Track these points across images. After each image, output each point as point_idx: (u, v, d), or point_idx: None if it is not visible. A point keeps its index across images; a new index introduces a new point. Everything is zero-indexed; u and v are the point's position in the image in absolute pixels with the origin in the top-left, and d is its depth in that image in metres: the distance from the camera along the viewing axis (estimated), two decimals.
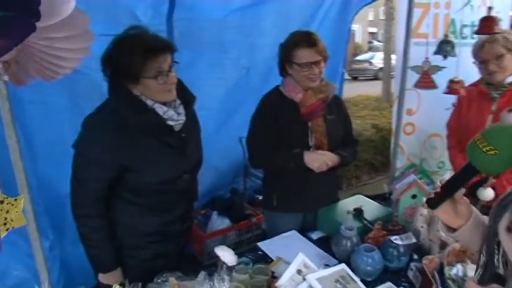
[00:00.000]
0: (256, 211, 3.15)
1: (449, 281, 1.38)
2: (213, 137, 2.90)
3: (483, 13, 2.06)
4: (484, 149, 0.83)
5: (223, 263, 1.38)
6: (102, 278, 1.48)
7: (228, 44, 2.56)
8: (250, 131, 1.92)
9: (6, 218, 0.94)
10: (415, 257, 1.56)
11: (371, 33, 29.02)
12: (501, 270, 0.77)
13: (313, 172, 1.75)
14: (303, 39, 1.73)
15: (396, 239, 1.55)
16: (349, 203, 1.95)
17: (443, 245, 1.56)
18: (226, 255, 1.39)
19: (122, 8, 1.90)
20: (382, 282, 1.46)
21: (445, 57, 2.07)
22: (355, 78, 15.57)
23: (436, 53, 2.09)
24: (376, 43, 23.72)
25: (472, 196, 1.87)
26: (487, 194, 1.63)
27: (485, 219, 0.96)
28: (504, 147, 0.82)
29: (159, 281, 1.37)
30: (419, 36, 2.59)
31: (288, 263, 1.47)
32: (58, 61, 1.17)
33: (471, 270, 1.38)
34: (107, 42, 1.34)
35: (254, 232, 3.09)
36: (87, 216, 1.39)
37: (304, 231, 1.87)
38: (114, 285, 1.21)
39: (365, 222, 1.77)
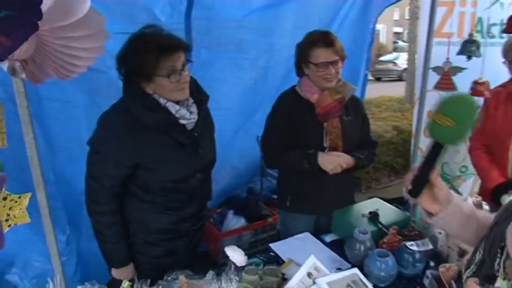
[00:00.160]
0: (272, 211, 3.14)
1: None
2: (230, 137, 2.92)
3: None
4: (442, 122, 0.87)
5: (233, 263, 1.37)
6: (115, 273, 1.51)
7: (247, 44, 2.55)
8: (265, 130, 1.91)
9: (8, 215, 0.96)
10: (432, 264, 1.51)
11: (396, 33, 28.37)
12: (501, 274, 0.74)
13: (328, 174, 1.72)
14: (320, 38, 1.70)
15: (412, 245, 1.50)
16: (365, 206, 1.91)
17: (462, 253, 1.50)
18: (236, 255, 1.38)
19: (139, 6, 1.93)
20: None
21: (469, 57, 1.99)
22: (378, 79, 15.28)
23: (460, 53, 2.01)
24: (401, 43, 23.15)
25: (496, 203, 1.80)
26: None
27: (466, 206, 0.99)
28: (459, 116, 0.87)
29: (169, 278, 1.38)
30: (443, 35, 2.50)
31: (300, 265, 1.45)
32: (74, 60, 1.20)
33: None
34: (124, 40, 1.37)
35: (269, 232, 3.08)
36: (101, 212, 1.42)
37: (318, 234, 1.84)
38: (124, 281, 1.23)
39: (380, 226, 1.72)
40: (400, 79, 13.60)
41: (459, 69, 1.96)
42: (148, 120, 1.35)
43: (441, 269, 1.39)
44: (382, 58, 16.32)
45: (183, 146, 1.45)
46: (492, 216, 0.96)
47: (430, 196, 0.95)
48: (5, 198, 0.97)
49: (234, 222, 3.11)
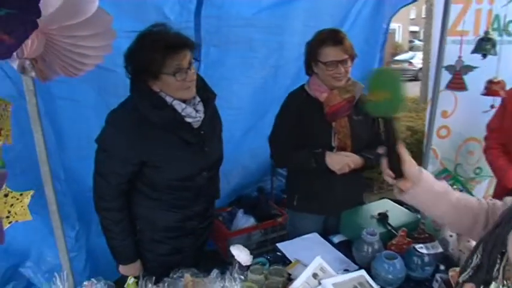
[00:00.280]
0: (282, 211, 3.12)
1: None
2: (241, 136, 2.92)
3: None
4: (377, 99, 0.94)
5: (238, 262, 1.37)
6: (122, 269, 1.53)
7: (257, 43, 2.54)
8: (274, 129, 1.90)
9: (9, 212, 0.98)
10: (442, 267, 1.48)
11: (412, 32, 27.88)
12: (499, 281, 0.71)
13: (336, 173, 1.70)
14: (329, 37, 1.68)
15: (421, 248, 1.47)
16: (374, 207, 1.88)
17: None
18: (241, 254, 1.38)
19: (149, 5, 1.95)
20: None
21: (484, 56, 1.93)
22: None
23: (474, 51, 1.95)
24: (417, 42, 22.76)
25: None
26: None
27: (438, 184, 0.99)
28: (388, 85, 0.94)
29: (174, 276, 1.39)
30: (458, 33, 2.43)
31: (306, 266, 1.44)
32: (81, 58, 1.21)
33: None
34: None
35: (279, 232, 3.06)
36: (108, 209, 1.44)
37: (326, 234, 1.82)
38: (130, 277, 1.24)
39: (389, 228, 1.69)
40: (415, 79, 13.36)
41: (470, 68, 1.91)
42: (155, 119, 1.36)
43: (451, 273, 1.36)
44: (397, 57, 16.05)
45: (189, 144, 1.45)
46: (467, 198, 0.99)
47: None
48: (6, 195, 0.99)
49: (244, 221, 3.11)
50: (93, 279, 1.20)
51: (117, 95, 1.52)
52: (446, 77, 2.22)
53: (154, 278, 1.24)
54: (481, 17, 2.55)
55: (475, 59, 2.00)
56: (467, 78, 2.06)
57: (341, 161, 1.69)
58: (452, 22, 2.40)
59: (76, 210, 2.03)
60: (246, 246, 3.05)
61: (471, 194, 1.87)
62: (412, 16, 26.76)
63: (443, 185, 1.00)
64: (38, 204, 1.36)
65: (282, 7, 2.43)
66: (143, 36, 1.34)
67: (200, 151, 1.49)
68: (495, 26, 2.52)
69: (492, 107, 2.03)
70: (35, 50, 1.12)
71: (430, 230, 1.69)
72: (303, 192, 1.88)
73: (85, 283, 1.20)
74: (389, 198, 2.00)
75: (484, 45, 1.91)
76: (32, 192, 1.02)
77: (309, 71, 1.83)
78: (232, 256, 1.40)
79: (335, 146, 1.75)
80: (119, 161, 1.38)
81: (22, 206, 1.00)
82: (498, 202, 0.97)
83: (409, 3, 3.05)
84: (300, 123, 1.79)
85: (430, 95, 2.35)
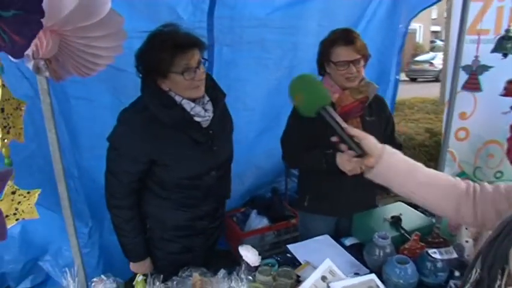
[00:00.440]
0: (296, 212, 3.10)
1: None
2: (255, 137, 2.91)
3: None
4: (300, 101, 1.07)
5: (246, 263, 1.37)
6: (133, 266, 1.55)
7: (270, 44, 2.53)
8: (286, 130, 1.90)
9: (17, 209, 1.00)
10: (457, 274, 1.43)
11: (434, 32, 27.23)
12: None
13: (347, 175, 1.67)
14: (341, 36, 1.66)
15: (434, 253, 1.43)
16: (388, 210, 1.84)
17: None
18: (249, 255, 1.37)
19: (163, 5, 1.97)
20: None
21: (505, 55, 1.86)
22: (413, 80, 14.77)
23: (494, 50, 1.88)
24: (438, 42, 22.24)
25: None
26: None
27: (404, 158, 1.01)
28: (302, 88, 1.07)
29: (183, 275, 1.40)
30: (478, 32, 2.36)
31: (316, 268, 1.42)
32: (94, 59, 1.24)
33: None
34: None
35: (292, 234, 3.04)
36: (119, 207, 1.46)
37: (338, 236, 1.80)
38: (138, 275, 1.25)
39: (402, 231, 1.65)
40: (436, 80, 13.07)
41: (486, 68, 1.84)
42: (165, 118, 1.38)
43: None
44: (418, 58, 15.74)
45: (198, 144, 1.46)
46: (440, 178, 0.98)
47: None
48: (13, 193, 1.01)
49: (257, 222, 3.10)
50: (102, 276, 1.23)
51: (130, 95, 1.55)
52: (464, 77, 2.15)
53: (162, 276, 1.25)
54: (503, 14, 2.46)
55: (495, 59, 1.93)
56: (487, 78, 1.99)
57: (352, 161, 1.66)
58: (471, 21, 2.33)
59: (89, 208, 2.07)
60: (259, 247, 3.06)
61: None
62: (434, 16, 26.11)
63: (410, 163, 1.00)
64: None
65: (295, 7, 2.41)
66: (153, 36, 1.36)
67: (209, 150, 1.50)
68: None
69: None
70: (50, 51, 1.15)
71: (445, 235, 1.64)
72: (314, 193, 1.87)
73: (94, 279, 1.22)
74: (404, 202, 1.95)
75: (505, 44, 1.84)
76: (38, 191, 1.04)
77: (322, 71, 1.81)
78: (241, 256, 1.40)
79: None
80: (129, 160, 1.40)
81: (29, 204, 1.03)
82: (486, 187, 0.95)
83: (429, 6, 2.96)
84: (312, 124, 1.76)
85: (446, 96, 2.28)
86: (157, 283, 1.22)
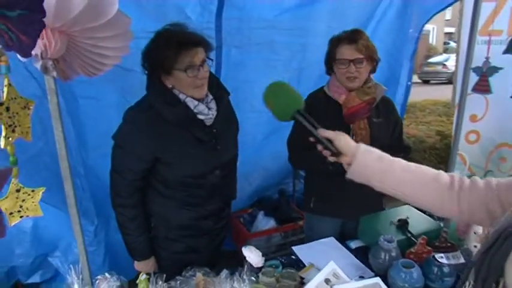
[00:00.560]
0: (303, 214, 3.08)
1: None
2: (263, 139, 2.91)
3: None
4: (273, 107, 1.11)
5: (250, 264, 1.36)
6: (137, 265, 1.56)
7: (279, 45, 2.52)
8: (292, 130, 1.89)
9: (21, 206, 1.02)
10: None
11: (448, 34, 26.81)
12: None
13: None
14: (347, 36, 1.67)
15: (441, 257, 1.40)
16: (395, 213, 1.82)
17: None
18: (252, 256, 1.37)
19: (171, 6, 1.98)
20: None
21: None
22: (426, 82, 14.56)
23: (506, 51, 1.85)
24: (452, 44, 21.88)
25: None
26: None
27: (382, 155, 1.02)
28: (271, 96, 1.12)
29: (187, 274, 1.40)
30: (490, 33, 2.31)
31: (320, 271, 1.41)
32: (101, 59, 1.25)
33: None
34: None
35: (299, 235, 3.02)
36: (123, 205, 1.47)
37: (344, 239, 1.79)
38: (142, 274, 1.26)
39: (409, 235, 1.63)
40: (449, 82, 12.86)
41: (496, 70, 1.80)
42: (169, 115, 1.39)
43: None
44: (430, 60, 15.50)
45: (202, 142, 1.47)
46: (420, 172, 0.98)
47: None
48: (18, 190, 1.03)
49: (264, 223, 3.10)
50: (106, 274, 1.24)
51: (137, 94, 1.56)
52: (474, 79, 2.12)
53: (165, 275, 1.25)
54: None
55: (508, 60, 1.89)
56: (498, 80, 1.95)
57: None
58: (483, 21, 2.29)
59: (95, 206, 2.09)
60: (265, 249, 3.06)
61: None
62: (448, 17, 25.72)
63: (386, 160, 1.00)
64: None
65: (304, 9, 2.39)
66: (160, 33, 1.39)
67: (213, 149, 1.50)
68: None
69: None
70: (58, 51, 1.17)
71: (453, 239, 1.61)
72: (320, 194, 1.86)
73: (98, 277, 1.23)
74: (412, 205, 1.93)
75: None
76: (43, 189, 1.06)
77: (329, 71, 1.81)
78: (244, 257, 1.40)
79: None
80: (133, 158, 1.42)
81: (33, 202, 1.04)
82: (477, 183, 0.92)
83: (443, 9, 2.90)
84: (318, 124, 1.76)
85: (457, 98, 2.24)
86: (160, 282, 1.22)
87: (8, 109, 0.96)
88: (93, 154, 1.98)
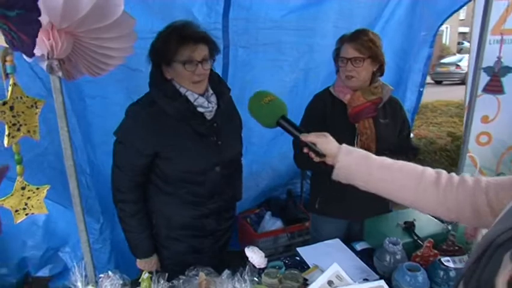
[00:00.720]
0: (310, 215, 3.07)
1: None
2: (271, 139, 2.90)
3: None
4: (256, 116, 1.16)
5: (252, 264, 1.36)
6: (139, 263, 1.56)
7: (286, 45, 2.51)
8: None
9: (26, 204, 1.03)
10: None
11: (462, 34, 26.35)
12: None
13: None
14: (350, 35, 1.68)
15: (448, 261, 1.38)
16: (402, 215, 1.79)
17: None
18: (255, 256, 1.36)
19: (178, 6, 1.99)
20: None
21: None
22: (439, 83, 14.35)
23: None
24: (466, 44, 21.52)
25: None
26: None
27: (364, 154, 1.03)
28: (251, 108, 1.16)
29: (190, 274, 1.40)
30: (502, 32, 2.26)
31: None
32: (105, 59, 1.27)
33: None
34: None
35: (305, 237, 3.01)
36: (124, 201, 1.48)
37: (350, 241, 1.77)
38: (144, 272, 1.27)
39: (415, 237, 1.60)
40: (462, 83, 12.64)
41: (509, 70, 1.75)
42: (170, 109, 1.41)
43: None
44: (443, 60, 15.26)
45: (202, 137, 1.47)
46: (399, 167, 0.98)
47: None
48: (23, 188, 1.05)
49: (271, 223, 3.10)
50: (110, 272, 1.25)
51: (143, 94, 1.57)
52: (486, 79, 2.07)
53: (167, 274, 1.26)
54: None
55: None
56: (511, 80, 1.90)
57: None
58: (495, 20, 2.24)
59: (100, 204, 2.11)
60: (272, 249, 3.05)
61: None
62: (462, 17, 25.30)
63: (369, 161, 1.01)
64: (68, 197, 1.43)
65: (311, 9, 2.38)
66: (166, 27, 1.42)
67: (213, 144, 1.50)
68: None
69: None
70: (65, 51, 1.19)
71: (461, 243, 1.57)
72: (325, 195, 1.84)
73: (101, 275, 1.24)
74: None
75: None
76: (47, 187, 1.07)
77: (337, 70, 1.80)
78: (247, 258, 1.39)
79: (358, 148, 1.70)
80: (134, 152, 1.43)
81: (38, 200, 1.06)
82: (466, 180, 0.89)
83: (458, 10, 2.84)
84: (324, 124, 1.75)
85: (467, 100, 2.20)
86: (162, 281, 1.23)
87: (11, 108, 0.98)
88: (99, 152, 2.01)
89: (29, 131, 1.12)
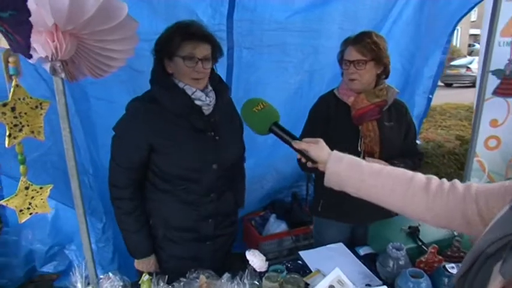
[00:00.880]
0: None
1: None
2: (276, 141, 2.88)
3: None
4: (250, 124, 1.18)
5: (253, 268, 1.35)
6: (137, 264, 1.55)
7: (290, 47, 2.50)
8: (302, 131, 1.87)
9: (30, 203, 1.04)
10: None
11: (473, 36, 26.01)
12: None
13: None
14: (354, 37, 1.67)
15: (452, 268, 1.35)
16: (406, 220, 1.76)
17: None
18: (255, 260, 1.35)
19: (182, 8, 1.99)
20: None
21: None
22: (449, 85, 14.18)
23: None
24: (477, 46, 21.23)
25: None
26: None
27: (358, 167, 1.02)
28: (248, 119, 1.19)
29: (191, 276, 1.40)
30: None
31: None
32: (108, 61, 1.27)
33: None
34: None
35: (310, 240, 2.99)
36: (120, 198, 1.47)
37: (353, 245, 1.75)
38: (144, 274, 1.27)
39: (419, 243, 1.58)
40: (473, 85, 12.47)
41: None
42: (168, 103, 1.41)
43: None
44: (454, 62, 15.06)
45: (199, 132, 1.47)
46: (387, 174, 0.98)
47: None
48: (27, 188, 1.06)
49: (276, 226, 3.08)
50: (110, 274, 1.25)
51: None
52: (496, 82, 2.04)
53: (167, 276, 1.25)
54: None
55: None
56: None
57: None
58: (506, 22, 2.20)
59: (103, 204, 2.12)
60: (277, 252, 3.02)
61: None
62: (473, 18, 24.97)
63: (358, 168, 1.01)
64: (70, 197, 1.44)
65: (316, 10, 2.36)
66: (173, 24, 1.45)
67: (210, 140, 1.49)
68: None
69: None
70: (69, 53, 1.20)
71: (466, 249, 1.54)
72: (327, 198, 1.82)
73: (101, 276, 1.25)
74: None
75: None
76: (50, 186, 1.08)
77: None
78: (247, 261, 1.38)
79: (361, 150, 1.68)
80: (130, 146, 1.43)
81: (42, 199, 1.07)
82: (457, 186, 0.88)
83: (469, 11, 2.78)
84: (328, 127, 1.75)
85: (475, 102, 2.16)
86: (162, 283, 1.22)
87: (13, 109, 0.99)
88: (103, 152, 2.01)
89: (32, 132, 1.13)
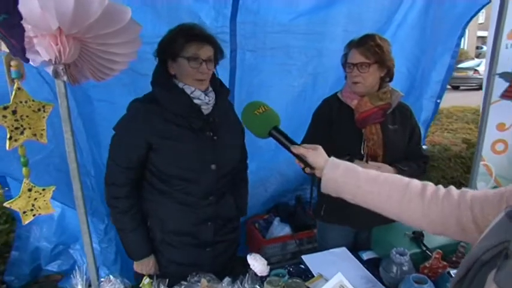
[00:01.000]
0: None
1: None
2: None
3: None
4: (250, 128, 1.19)
5: (254, 272, 1.34)
6: (136, 266, 1.54)
7: (294, 50, 2.49)
8: (305, 134, 1.87)
9: (33, 205, 1.05)
10: None
11: (480, 38, 25.79)
12: None
13: None
14: (357, 40, 1.66)
15: None
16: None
17: None
18: (256, 264, 1.34)
19: (186, 10, 2.00)
20: None
21: None
22: (456, 88, 14.06)
23: None
24: (485, 48, 21.03)
25: None
26: None
27: (353, 174, 1.02)
28: (248, 122, 1.19)
29: (192, 280, 1.39)
30: None
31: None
32: (111, 64, 1.28)
33: None
34: None
35: (314, 244, 2.97)
36: (117, 197, 1.47)
37: (357, 249, 1.73)
38: (145, 277, 1.26)
39: (424, 248, 1.56)
40: (480, 88, 12.34)
41: None
42: (168, 103, 1.42)
43: None
44: (461, 65, 14.94)
45: (199, 132, 1.47)
46: (383, 180, 0.98)
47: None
48: (30, 190, 1.07)
49: (279, 229, 3.07)
50: (111, 276, 1.25)
51: None
52: (504, 85, 2.01)
53: (167, 280, 1.25)
54: None
55: None
56: None
57: None
58: None
59: (104, 206, 2.12)
60: (280, 256, 3.00)
61: None
62: (481, 20, 24.75)
63: (355, 174, 1.01)
64: (73, 198, 1.45)
65: (320, 13, 2.35)
66: (176, 26, 1.47)
67: (209, 139, 1.49)
68: None
69: None
70: (72, 56, 1.20)
71: None
72: (330, 202, 1.79)
73: (102, 279, 1.25)
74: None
75: None
76: (53, 188, 1.09)
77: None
78: (248, 265, 1.37)
79: (364, 153, 1.66)
80: (128, 144, 1.44)
81: (44, 200, 1.08)
82: (452, 193, 0.87)
83: (477, 13, 2.75)
84: (332, 130, 1.74)
85: (481, 106, 2.13)
86: (163, 287, 1.22)
87: (14, 112, 0.99)
88: (105, 153, 2.01)
89: (34, 134, 1.13)
